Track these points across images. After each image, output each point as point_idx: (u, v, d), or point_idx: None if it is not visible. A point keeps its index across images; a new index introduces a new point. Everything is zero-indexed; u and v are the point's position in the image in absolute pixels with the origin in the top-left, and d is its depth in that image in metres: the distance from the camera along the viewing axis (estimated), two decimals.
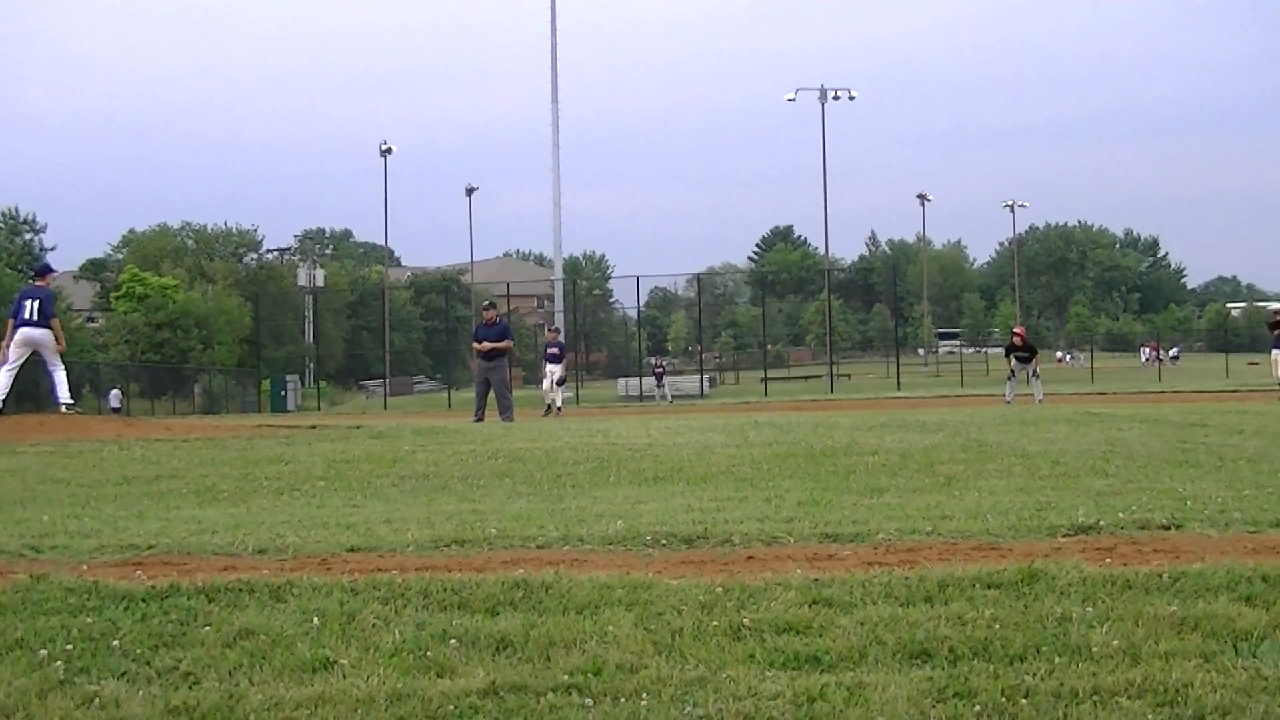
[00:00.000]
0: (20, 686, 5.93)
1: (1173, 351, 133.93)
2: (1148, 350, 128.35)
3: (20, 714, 5.64)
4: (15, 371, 26.90)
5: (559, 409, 44.12)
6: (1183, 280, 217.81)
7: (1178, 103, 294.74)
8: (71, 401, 27.70)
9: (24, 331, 26.59)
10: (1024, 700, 5.60)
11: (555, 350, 47.10)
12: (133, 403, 77.71)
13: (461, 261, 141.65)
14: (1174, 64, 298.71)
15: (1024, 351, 46.31)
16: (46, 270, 30.33)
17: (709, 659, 6.24)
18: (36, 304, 26.78)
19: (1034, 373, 46.05)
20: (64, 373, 27.24)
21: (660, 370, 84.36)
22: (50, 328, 26.73)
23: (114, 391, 79.66)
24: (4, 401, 26.90)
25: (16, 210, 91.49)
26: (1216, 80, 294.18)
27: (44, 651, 6.43)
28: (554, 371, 46.12)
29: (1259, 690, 5.68)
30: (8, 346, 26.78)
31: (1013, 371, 46.26)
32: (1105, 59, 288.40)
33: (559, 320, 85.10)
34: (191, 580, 7.91)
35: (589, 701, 5.68)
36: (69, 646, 6.52)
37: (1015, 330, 50.11)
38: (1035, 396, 43.88)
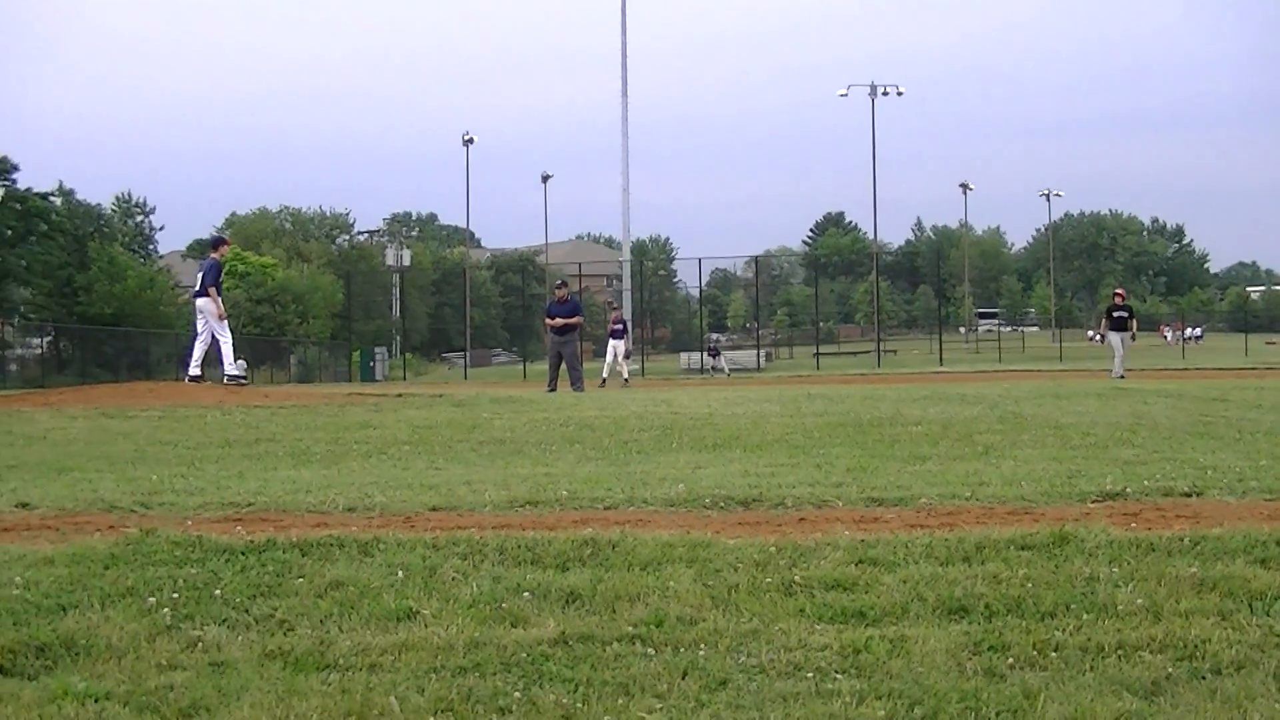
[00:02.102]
0: (131, 630, 5.99)
1: (1197, 331, 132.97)
2: (1170, 331, 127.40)
3: (131, 655, 5.69)
4: (206, 340, 26.79)
5: (625, 379, 44.13)
6: (1206, 265, 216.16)
7: (1204, 99, 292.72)
8: (236, 373, 27.66)
9: (196, 301, 26.70)
10: (1054, 653, 5.59)
11: (619, 327, 47.15)
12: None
13: (537, 243, 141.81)
14: (1200, 63, 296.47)
15: (1123, 311, 41.12)
16: (217, 242, 29.95)
17: (762, 613, 6.25)
18: (200, 274, 26.89)
19: (1128, 339, 41.03)
20: (229, 343, 27.07)
21: (714, 348, 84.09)
22: (208, 295, 26.61)
23: (239, 361, 79.97)
24: (199, 369, 27.07)
25: (129, 194, 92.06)
26: (1240, 77, 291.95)
27: (152, 599, 6.49)
28: (617, 347, 46.18)
29: (1272, 646, 5.66)
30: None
31: (1102, 336, 41.62)
32: (1136, 59, 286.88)
33: (626, 299, 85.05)
34: (287, 535, 7.96)
35: (651, 651, 5.70)
36: (175, 595, 6.58)
37: (1117, 291, 45.27)
38: (1117, 370, 39.75)
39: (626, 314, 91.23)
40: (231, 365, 27.34)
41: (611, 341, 46.69)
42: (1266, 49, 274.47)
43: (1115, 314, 41.16)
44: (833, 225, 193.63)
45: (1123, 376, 37.20)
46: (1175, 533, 7.74)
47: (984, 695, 5.11)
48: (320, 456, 13.78)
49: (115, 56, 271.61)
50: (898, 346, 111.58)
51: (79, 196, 78.91)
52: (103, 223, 79.62)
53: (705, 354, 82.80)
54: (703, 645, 5.77)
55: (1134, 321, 41.65)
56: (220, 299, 26.69)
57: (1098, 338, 40.30)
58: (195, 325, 26.88)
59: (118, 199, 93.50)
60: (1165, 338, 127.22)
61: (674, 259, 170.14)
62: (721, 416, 18.34)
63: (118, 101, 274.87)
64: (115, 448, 14.73)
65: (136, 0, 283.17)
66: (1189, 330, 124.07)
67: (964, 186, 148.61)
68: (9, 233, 70.60)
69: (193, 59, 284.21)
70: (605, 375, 45.07)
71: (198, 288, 26.53)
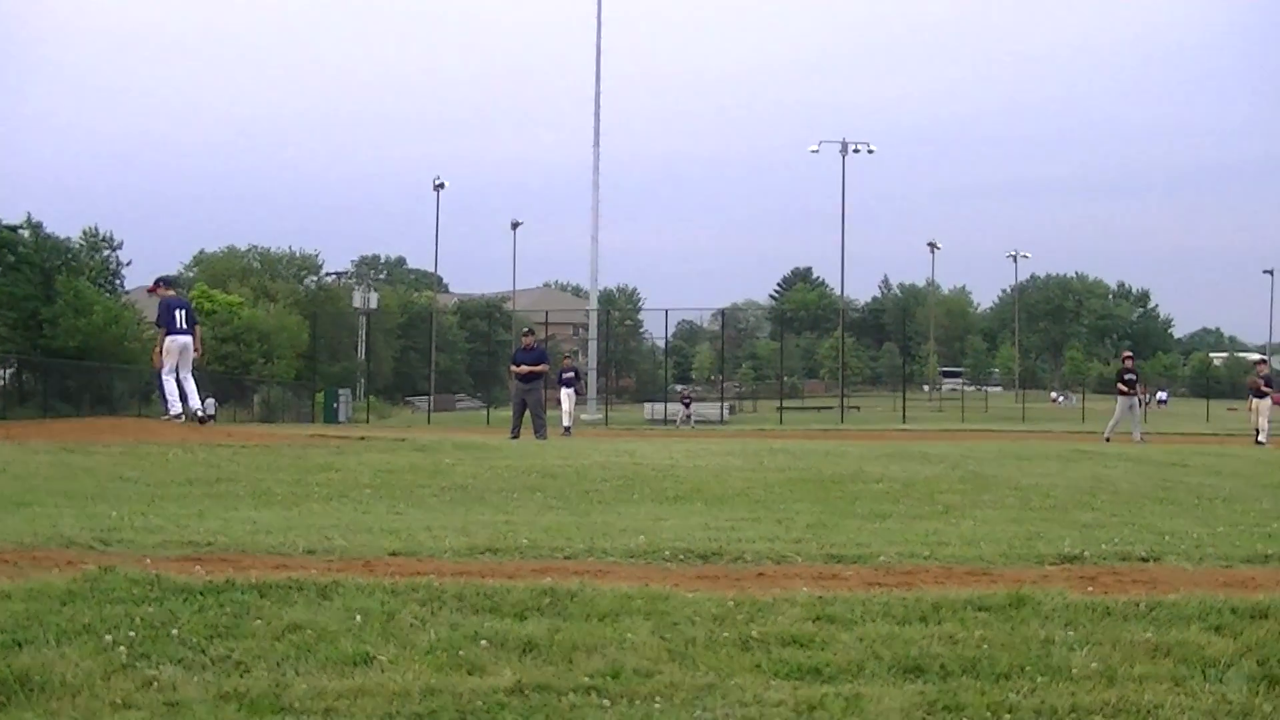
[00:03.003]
0: (86, 668, 5.97)
1: (1162, 395, 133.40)
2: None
3: (86, 693, 5.67)
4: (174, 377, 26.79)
5: (566, 429, 43.90)
6: (1170, 330, 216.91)
7: (1172, 165, 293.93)
8: (204, 411, 27.61)
9: (179, 339, 26.59)
10: (1008, 715, 5.61)
11: (570, 375, 47.14)
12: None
13: (505, 290, 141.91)
14: (1169, 130, 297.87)
15: (1132, 374, 40.35)
16: (173, 281, 29.73)
17: (719, 667, 6.26)
18: (183, 313, 26.84)
19: (1132, 405, 40.54)
20: (194, 383, 27.10)
21: (688, 399, 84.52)
22: (193, 334, 26.67)
23: (210, 400, 79.85)
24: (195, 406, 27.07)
25: (96, 229, 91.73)
26: (1209, 146, 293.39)
27: (109, 637, 6.47)
28: (569, 396, 46.16)
29: (1224, 714, 5.69)
30: (162, 354, 26.73)
31: (1130, 399, 40.40)
32: (1107, 123, 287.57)
33: (591, 348, 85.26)
34: (246, 576, 7.94)
35: (607, 703, 5.70)
36: (132, 633, 6.55)
37: (1125, 354, 45.22)
38: (1134, 434, 38.98)
39: (592, 363, 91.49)
40: (199, 402, 27.34)
41: (563, 390, 46.62)
42: (1234, 120, 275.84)
43: (1126, 376, 40.46)
44: (800, 280, 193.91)
45: (1141, 441, 36.87)
46: (1131, 597, 7.77)
47: None
48: (281, 498, 13.76)
49: (87, 94, 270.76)
50: (861, 403, 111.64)
51: (48, 230, 78.61)
52: (70, 256, 79.29)
53: (679, 404, 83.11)
54: (659, 698, 5.77)
55: (1142, 388, 41.66)
56: (163, 341, 26.73)
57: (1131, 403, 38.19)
58: (164, 362, 26.82)
59: (85, 233, 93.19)
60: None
61: (641, 309, 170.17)
62: (684, 468, 18.36)
63: (88, 137, 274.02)
64: (76, 483, 14.69)
65: (110, 42, 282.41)
66: (1159, 394, 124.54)
67: (932, 245, 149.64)
68: None
69: (164, 99, 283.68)
70: (568, 424, 44.95)
71: (184, 326, 26.55)
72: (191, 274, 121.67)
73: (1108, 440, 36.39)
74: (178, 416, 26.75)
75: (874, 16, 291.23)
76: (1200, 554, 10.05)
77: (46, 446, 19.80)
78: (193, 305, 28.08)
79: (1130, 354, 44.52)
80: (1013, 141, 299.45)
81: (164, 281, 29.07)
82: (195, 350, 26.89)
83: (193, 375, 27.01)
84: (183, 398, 26.96)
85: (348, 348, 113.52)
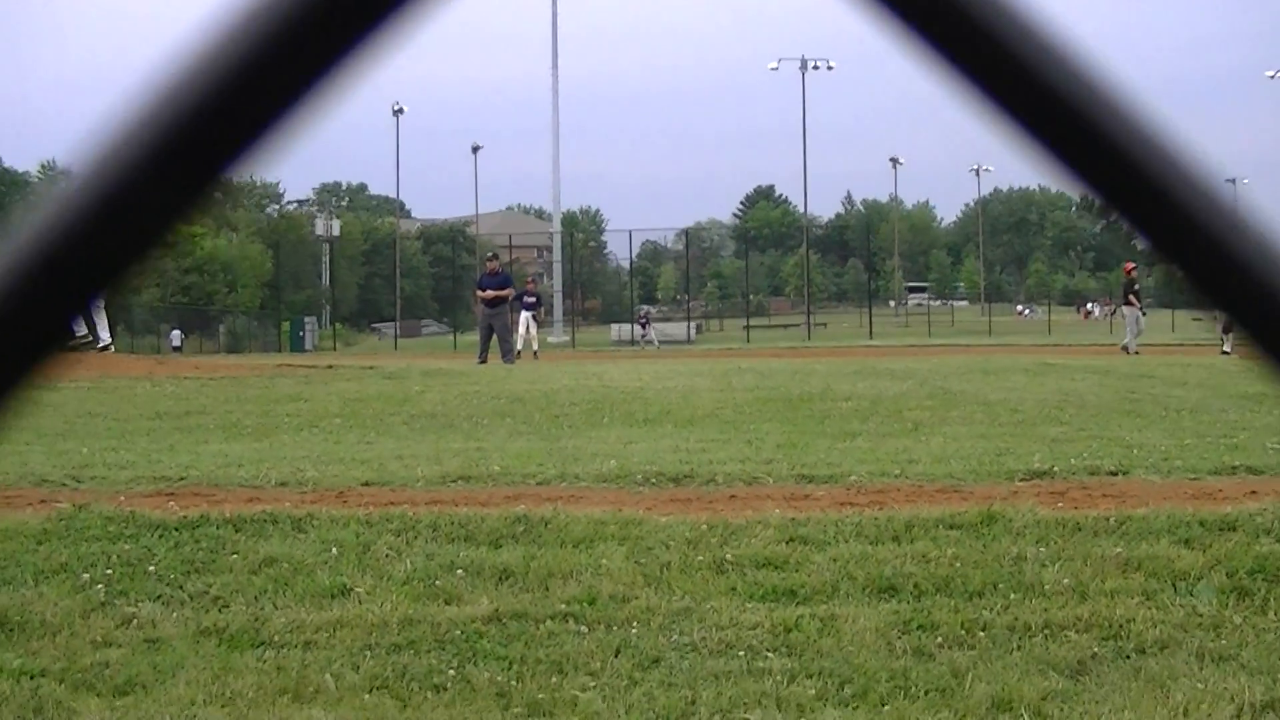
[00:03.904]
0: (65, 607, 6.00)
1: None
2: (1099, 306, 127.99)
3: (65, 632, 5.70)
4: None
5: (535, 352, 43.63)
6: (1134, 241, 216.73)
7: (1139, 76, 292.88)
8: (109, 341, 27.44)
9: None
10: (981, 633, 5.68)
11: (532, 300, 46.84)
12: (161, 342, 77.77)
13: (467, 214, 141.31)
14: (1136, 40, 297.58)
15: (1135, 284, 39.51)
16: None
17: (694, 591, 6.31)
18: None
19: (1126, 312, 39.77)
20: (104, 313, 26.95)
21: (644, 319, 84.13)
22: None
23: (175, 332, 79.70)
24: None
25: (54, 162, 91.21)
26: (1177, 56, 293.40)
27: (86, 575, 6.50)
28: (526, 320, 45.84)
29: (1194, 626, 5.76)
30: None
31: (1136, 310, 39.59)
32: (1074, 32, 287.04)
33: (556, 270, 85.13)
34: (220, 511, 7.97)
35: (584, 629, 5.75)
36: (109, 571, 6.59)
37: (1128, 266, 42.74)
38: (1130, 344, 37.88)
39: (557, 285, 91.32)
40: (107, 334, 27.17)
41: (524, 312, 46.27)
42: (1204, 31, 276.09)
43: (1135, 287, 39.90)
44: (763, 198, 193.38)
45: (1137, 352, 36.66)
46: (1101, 513, 7.84)
47: (913, 674, 5.18)
48: (251, 430, 13.76)
49: (39, 23, 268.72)
50: (828, 320, 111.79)
51: (4, 163, 78.28)
52: (28, 190, 78.87)
53: (636, 325, 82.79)
54: (635, 623, 5.82)
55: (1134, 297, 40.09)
56: None
57: (1115, 310, 36.98)
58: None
59: (43, 166, 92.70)
60: (1093, 313, 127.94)
61: (604, 231, 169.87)
62: (652, 391, 18.40)
63: (41, 66, 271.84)
64: (43, 420, 14.63)
65: None
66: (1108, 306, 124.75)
67: (894, 161, 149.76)
68: None
69: (116, 22, 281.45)
70: (519, 348, 44.65)
71: None
72: None
73: (1136, 353, 36.15)
74: (107, 346, 26.65)
75: None
76: (1168, 467, 10.11)
77: None
78: None
79: (1133, 265, 44.01)
80: None
81: None
82: None
83: (105, 307, 26.77)
84: (95, 328, 26.85)
85: (311, 276, 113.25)
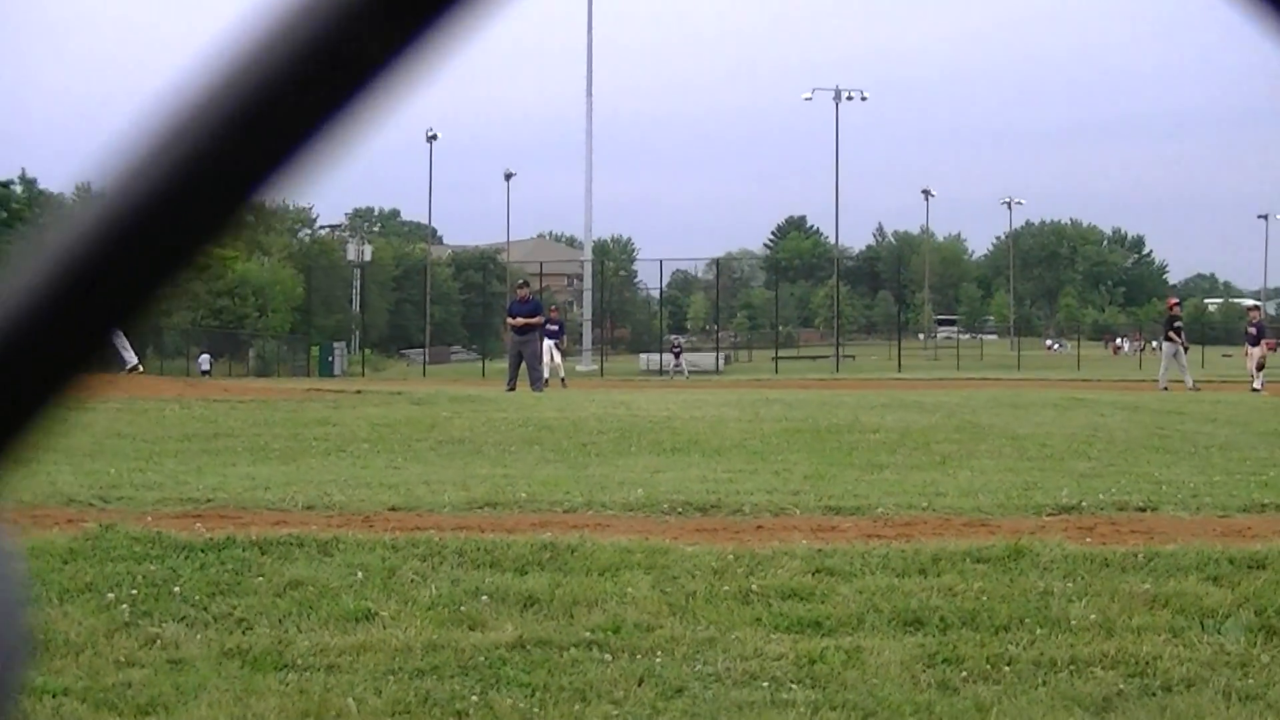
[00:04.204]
0: (89, 626, 6.00)
1: (1153, 343, 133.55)
2: (1129, 342, 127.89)
3: (89, 651, 5.70)
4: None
5: (563, 380, 43.57)
6: (1165, 276, 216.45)
7: (1166, 111, 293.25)
8: (135, 362, 27.46)
9: None
10: (1007, 667, 5.64)
11: (555, 327, 46.77)
12: (191, 365, 78.02)
13: (499, 241, 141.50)
14: (1164, 75, 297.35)
15: (1178, 320, 39.43)
16: None
17: (719, 621, 6.28)
18: None
19: (1175, 352, 39.08)
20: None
21: (678, 349, 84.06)
22: None
23: (204, 356, 79.88)
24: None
25: (90, 185, 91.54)
26: (1201, 90, 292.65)
27: (111, 595, 6.50)
28: (552, 346, 45.74)
29: (1222, 664, 5.72)
30: None
31: (1175, 346, 39.17)
32: (1099, 70, 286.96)
33: (586, 299, 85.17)
34: (246, 533, 7.96)
35: (608, 657, 5.73)
36: (134, 591, 6.58)
37: (1171, 301, 43.67)
38: (1186, 380, 37.67)
39: (587, 314, 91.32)
40: (133, 356, 27.22)
41: (547, 341, 46.18)
42: (1228, 65, 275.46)
43: (1175, 324, 39.69)
44: (794, 229, 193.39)
45: (1165, 388, 36.65)
46: (1129, 548, 7.80)
47: (937, 708, 5.16)
48: (279, 453, 13.78)
49: (77, 46, 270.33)
50: (856, 351, 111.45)
51: (41, 185, 78.64)
52: (64, 212, 79.21)
53: (669, 354, 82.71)
54: (659, 652, 5.80)
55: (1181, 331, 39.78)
56: None
57: (1155, 346, 36.85)
58: None
59: (79, 189, 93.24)
60: (1122, 348, 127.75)
61: (635, 259, 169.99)
62: (680, 420, 18.38)
63: (82, 91, 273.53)
64: (73, 440, 14.67)
65: None
66: (1145, 341, 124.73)
67: (926, 193, 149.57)
68: None
69: (158, 49, 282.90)
70: (545, 375, 44.56)
71: None
72: None
73: (1165, 389, 36.10)
74: (135, 368, 26.72)
75: None
76: (1197, 503, 10.07)
77: None
78: None
79: (1177, 300, 43.85)
80: (1007, 87, 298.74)
81: None
82: None
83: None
84: (120, 352, 26.89)
85: (342, 301, 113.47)
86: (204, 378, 59.13)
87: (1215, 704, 5.25)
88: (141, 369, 27.44)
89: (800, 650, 5.83)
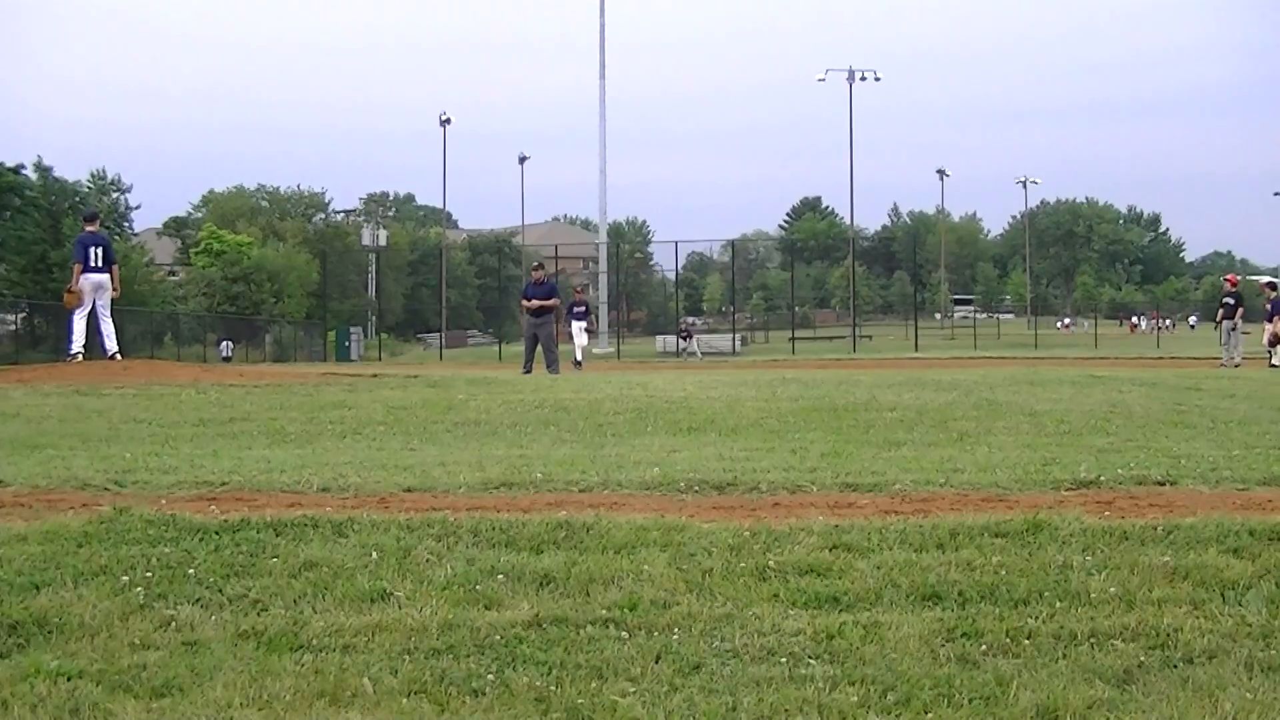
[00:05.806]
0: (104, 609, 5.98)
1: (1190, 319, 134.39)
2: (1147, 319, 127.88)
3: (104, 634, 5.69)
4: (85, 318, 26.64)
5: (578, 362, 43.59)
6: (1181, 254, 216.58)
7: (1181, 87, 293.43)
8: (115, 350, 27.31)
9: (92, 277, 26.37)
10: (1026, 641, 5.61)
11: (581, 309, 46.77)
12: (208, 350, 78.13)
13: (513, 224, 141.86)
14: (1177, 52, 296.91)
15: (1229, 297, 40.20)
16: (94, 216, 29.71)
17: (736, 597, 6.26)
18: (99, 250, 26.57)
19: (1234, 328, 39.89)
20: (111, 324, 26.90)
21: (686, 331, 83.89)
22: (110, 273, 26.49)
23: (225, 342, 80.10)
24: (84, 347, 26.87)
25: (104, 171, 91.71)
26: (1217, 67, 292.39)
27: (126, 578, 6.48)
28: (580, 330, 45.75)
29: (1243, 636, 5.68)
30: (79, 290, 26.44)
31: (1221, 322, 40.38)
32: (1114, 47, 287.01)
33: (601, 281, 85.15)
34: (261, 515, 7.94)
35: (625, 634, 5.70)
36: (149, 574, 6.56)
37: (1228, 276, 44.00)
38: (1233, 357, 38.91)
39: (602, 296, 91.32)
40: (114, 344, 27.08)
41: (574, 323, 46.19)
42: (1242, 40, 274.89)
43: (1225, 299, 40.35)
44: (809, 210, 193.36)
45: (1238, 364, 36.68)
46: (1148, 521, 7.75)
47: (957, 682, 5.12)
48: (295, 436, 13.76)
49: (94, 34, 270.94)
50: (873, 332, 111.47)
51: (55, 173, 78.59)
52: (78, 199, 79.20)
53: (678, 337, 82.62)
54: (676, 629, 5.77)
55: (1240, 312, 40.35)
56: (77, 278, 26.56)
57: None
58: (83, 300, 26.53)
59: (93, 175, 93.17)
60: (1139, 326, 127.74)
61: (650, 242, 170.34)
62: (697, 400, 18.33)
63: (95, 79, 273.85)
64: (89, 425, 14.69)
65: None
66: (1189, 318, 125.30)
67: (941, 173, 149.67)
68: None
69: (171, 37, 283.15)
70: (579, 358, 44.64)
71: (99, 264, 26.29)
72: (200, 214, 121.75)
73: (1237, 365, 36.16)
74: (76, 355, 26.59)
75: None
76: (1216, 477, 10.01)
77: (58, 389, 19.79)
78: (111, 243, 27.87)
79: (1235, 277, 43.68)
80: (1021, 66, 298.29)
81: (85, 217, 28.96)
82: (113, 290, 26.67)
83: (110, 316, 26.82)
84: (101, 338, 26.82)
85: (358, 285, 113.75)
86: (225, 364, 59.24)
87: (1237, 675, 5.21)
88: (120, 356, 27.10)
89: (818, 625, 5.80)
